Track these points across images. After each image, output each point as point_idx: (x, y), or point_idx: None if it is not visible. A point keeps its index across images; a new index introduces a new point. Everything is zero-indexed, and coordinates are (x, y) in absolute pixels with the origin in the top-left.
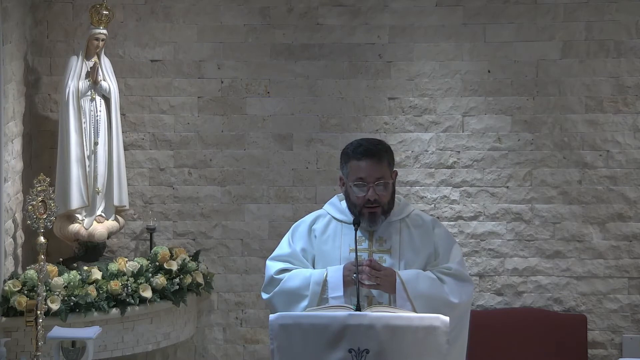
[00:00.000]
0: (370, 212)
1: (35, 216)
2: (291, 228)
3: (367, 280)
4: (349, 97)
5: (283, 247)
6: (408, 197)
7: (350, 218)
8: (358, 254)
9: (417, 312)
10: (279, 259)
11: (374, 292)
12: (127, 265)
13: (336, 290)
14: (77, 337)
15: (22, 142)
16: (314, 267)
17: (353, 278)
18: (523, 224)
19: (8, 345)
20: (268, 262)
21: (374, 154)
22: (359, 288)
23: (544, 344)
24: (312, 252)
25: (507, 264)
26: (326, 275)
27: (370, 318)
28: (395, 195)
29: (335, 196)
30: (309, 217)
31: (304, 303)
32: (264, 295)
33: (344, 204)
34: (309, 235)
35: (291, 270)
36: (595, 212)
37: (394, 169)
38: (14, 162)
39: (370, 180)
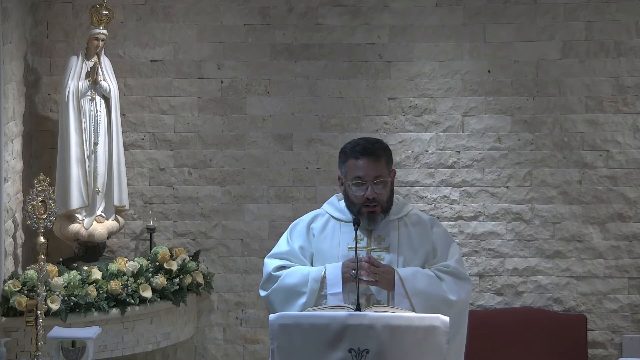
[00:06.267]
0: (370, 212)
1: (35, 216)
2: (290, 226)
3: (366, 277)
4: (349, 97)
5: (281, 245)
6: (408, 197)
7: (349, 217)
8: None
9: (415, 310)
10: (277, 256)
11: (373, 289)
12: (127, 265)
13: (335, 287)
14: (77, 337)
15: (22, 142)
16: (312, 266)
17: (352, 275)
18: (523, 224)
19: (8, 345)
20: (266, 260)
21: (371, 153)
22: (358, 286)
23: (544, 344)
24: (311, 250)
25: (507, 264)
26: (324, 272)
27: (370, 318)
28: (394, 194)
29: (334, 196)
30: (307, 216)
31: (302, 300)
32: (262, 293)
33: (342, 203)
34: (307, 234)
35: (289, 267)
36: (595, 212)
37: (393, 168)
38: (14, 162)
39: (368, 179)
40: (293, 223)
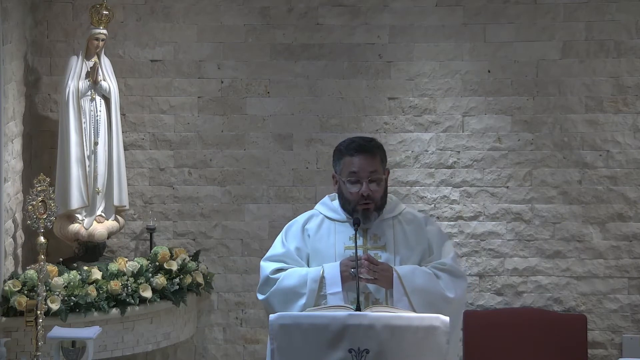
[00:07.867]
0: (364, 209)
1: (35, 216)
2: (284, 228)
3: (366, 274)
4: (349, 97)
5: (277, 247)
6: (408, 197)
7: (343, 216)
8: (354, 251)
9: (413, 307)
10: (273, 259)
11: (371, 287)
12: (127, 265)
13: (334, 286)
14: (77, 337)
15: (22, 142)
16: (308, 266)
17: (351, 273)
18: (523, 224)
19: (8, 345)
20: (262, 263)
21: (366, 150)
22: (358, 285)
23: (544, 344)
24: (306, 251)
25: (507, 264)
26: (323, 272)
27: (370, 318)
28: (388, 194)
29: (327, 196)
30: (301, 217)
31: (302, 301)
32: (260, 296)
33: (335, 203)
34: (302, 235)
35: (286, 269)
36: (595, 212)
37: (387, 168)
38: (14, 162)
39: (363, 175)
40: (287, 225)
